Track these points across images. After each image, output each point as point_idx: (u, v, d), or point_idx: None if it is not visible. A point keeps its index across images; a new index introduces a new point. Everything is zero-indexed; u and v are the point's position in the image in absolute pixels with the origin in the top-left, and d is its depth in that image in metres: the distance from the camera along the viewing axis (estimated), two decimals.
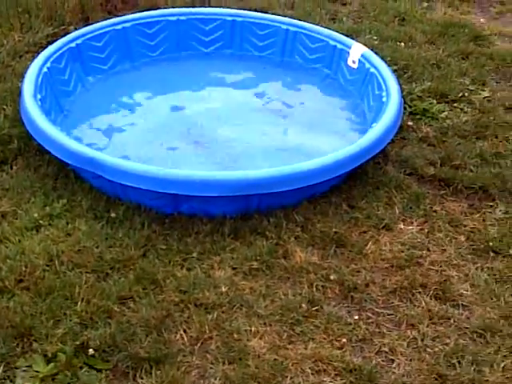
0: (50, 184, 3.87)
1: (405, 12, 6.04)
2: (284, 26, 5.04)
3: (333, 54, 4.86)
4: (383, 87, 4.32)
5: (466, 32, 5.71)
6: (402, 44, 5.48)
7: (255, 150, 4.17)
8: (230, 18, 5.09)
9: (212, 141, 4.27)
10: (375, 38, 5.52)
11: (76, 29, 5.41)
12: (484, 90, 4.96)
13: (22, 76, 4.79)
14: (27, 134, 4.21)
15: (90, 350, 2.93)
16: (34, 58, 4.66)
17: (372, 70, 4.53)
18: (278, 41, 5.07)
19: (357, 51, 4.70)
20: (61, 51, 4.53)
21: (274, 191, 3.57)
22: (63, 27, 5.43)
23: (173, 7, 5.56)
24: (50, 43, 5.21)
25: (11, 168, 4.03)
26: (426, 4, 6.28)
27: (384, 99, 4.19)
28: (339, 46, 4.82)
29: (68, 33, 5.33)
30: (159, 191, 3.51)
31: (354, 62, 4.71)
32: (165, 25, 5.04)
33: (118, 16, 5.70)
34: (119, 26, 4.90)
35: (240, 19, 5.09)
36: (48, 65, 4.37)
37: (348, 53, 4.76)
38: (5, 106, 4.53)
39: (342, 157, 3.69)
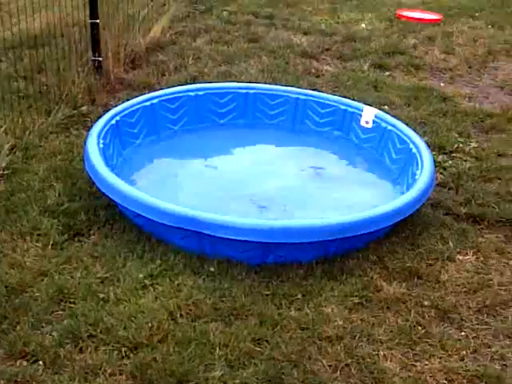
0: (138, 248, 4.07)
1: (375, 80, 6.73)
2: (294, 95, 5.52)
3: (343, 116, 5.39)
4: (407, 141, 4.86)
5: (434, 94, 6.45)
6: (386, 107, 6.10)
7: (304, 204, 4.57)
8: (243, 91, 5.52)
9: (258, 195, 4.62)
10: (362, 103, 6.11)
11: (88, 109, 5.71)
12: (471, 142, 5.63)
13: (54, 155, 5.02)
14: (90, 206, 4.43)
15: None
16: (71, 135, 4.88)
17: (389, 127, 5.07)
18: (288, 109, 5.54)
19: (369, 113, 5.25)
20: (106, 128, 4.75)
21: (360, 233, 3.96)
22: (77, 109, 5.65)
23: (168, 87, 5.96)
24: (69, 124, 5.49)
25: (89, 238, 4.19)
26: (387, 73, 7.01)
27: (414, 150, 4.72)
28: (350, 109, 5.36)
29: (83, 113, 5.64)
30: (264, 242, 3.81)
31: (367, 122, 5.26)
32: (185, 100, 5.39)
33: (117, 95, 6.06)
34: (148, 103, 5.19)
35: (252, 91, 5.53)
36: (101, 141, 4.59)
37: (360, 115, 5.29)
38: (53, 183, 4.68)
39: (408, 201, 4.16)
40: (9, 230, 4.19)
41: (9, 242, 4.09)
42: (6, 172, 4.75)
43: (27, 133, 5.16)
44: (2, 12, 5.46)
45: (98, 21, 6.08)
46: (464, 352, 3.48)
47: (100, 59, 6.15)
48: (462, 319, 3.72)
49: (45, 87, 5.78)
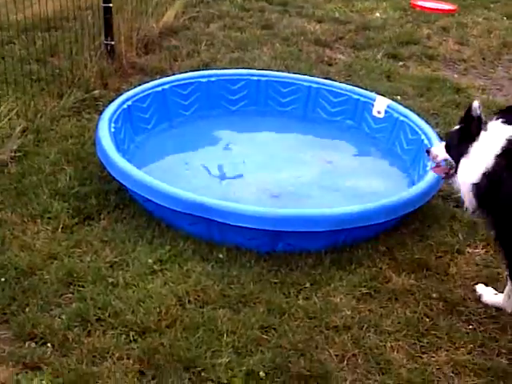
0: (147, 234, 4.08)
1: (388, 70, 6.69)
2: (306, 84, 5.50)
3: (356, 106, 5.36)
4: (419, 132, 4.84)
5: (448, 86, 6.41)
6: (398, 97, 6.07)
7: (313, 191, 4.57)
8: (255, 78, 5.50)
9: (271, 183, 4.61)
10: (374, 92, 6.08)
11: (100, 93, 5.71)
12: None
13: (66, 138, 5.03)
14: (100, 190, 4.44)
15: (261, 373, 3.17)
16: (85, 118, 4.88)
17: (401, 118, 5.05)
18: (301, 97, 5.52)
19: (381, 103, 5.23)
20: (118, 112, 4.75)
21: (369, 224, 3.96)
22: (89, 93, 5.65)
23: (180, 72, 5.94)
24: (81, 108, 5.49)
25: (99, 222, 4.20)
26: (401, 63, 6.97)
27: (425, 142, 4.70)
28: (362, 99, 5.33)
29: (95, 97, 5.63)
30: (273, 230, 3.81)
31: (379, 112, 5.24)
32: (197, 86, 5.38)
33: (129, 79, 6.06)
34: (159, 88, 5.18)
35: (264, 78, 5.51)
36: (113, 125, 4.58)
37: (372, 104, 5.27)
38: (64, 167, 4.69)
39: (418, 192, 4.16)
40: (19, 213, 4.20)
41: (19, 225, 4.11)
42: (17, 154, 4.76)
43: (39, 116, 5.17)
44: None
45: (110, 4, 6.06)
46: (471, 345, 3.47)
47: (112, 43, 6.14)
48: (470, 312, 3.71)
49: (57, 70, 5.79)
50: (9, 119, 4.91)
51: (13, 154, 4.74)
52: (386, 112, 5.21)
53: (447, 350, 3.45)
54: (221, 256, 3.93)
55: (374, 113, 5.28)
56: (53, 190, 4.42)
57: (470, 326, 3.62)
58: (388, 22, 8.15)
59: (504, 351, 3.48)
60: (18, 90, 5.32)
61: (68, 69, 5.75)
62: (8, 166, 4.66)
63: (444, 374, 3.32)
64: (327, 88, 5.48)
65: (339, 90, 5.46)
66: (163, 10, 7.26)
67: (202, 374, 3.19)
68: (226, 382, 3.15)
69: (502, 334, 3.59)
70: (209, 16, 7.85)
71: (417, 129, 4.90)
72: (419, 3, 8.81)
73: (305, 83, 5.53)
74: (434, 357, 3.41)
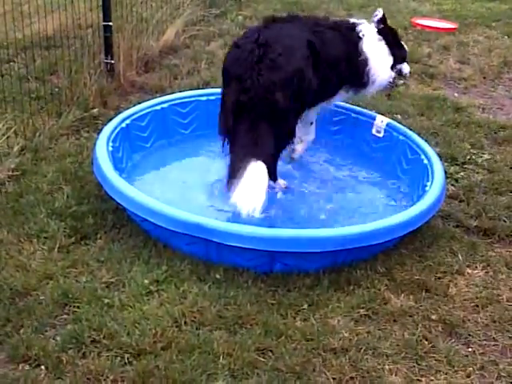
0: (144, 253, 4.05)
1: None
2: None
3: (355, 125, 5.34)
4: (418, 151, 4.81)
5: (448, 104, 6.40)
6: (399, 116, 6.06)
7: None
8: None
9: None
10: (373, 111, 6.07)
11: (100, 112, 5.70)
12: (484, 153, 5.57)
13: (64, 157, 5.01)
14: (98, 209, 4.42)
15: None
16: (83, 137, 4.86)
17: (401, 137, 5.03)
18: None
19: (381, 122, 5.21)
20: (116, 131, 4.74)
21: (367, 244, 3.92)
22: (88, 111, 5.64)
23: (180, 91, 5.93)
24: (80, 126, 5.49)
25: (95, 242, 4.17)
26: (401, 81, 6.94)
27: (425, 161, 4.67)
28: (362, 117, 5.31)
29: (94, 116, 5.62)
30: (270, 250, 3.78)
31: (378, 131, 5.21)
32: (196, 104, 5.37)
33: (128, 98, 6.06)
34: (158, 107, 5.17)
35: None
36: (111, 144, 4.57)
37: (372, 123, 5.25)
38: (62, 186, 4.68)
39: (418, 213, 4.12)
40: (16, 232, 4.18)
41: (15, 244, 4.08)
42: (14, 173, 4.75)
43: (37, 134, 5.17)
44: (17, 12, 5.43)
45: (110, 23, 6.07)
46: (471, 368, 3.43)
47: (112, 62, 6.15)
48: (469, 334, 3.67)
49: (56, 89, 5.79)
50: (7, 138, 4.90)
51: (10, 173, 4.72)
52: (385, 131, 5.19)
53: (446, 374, 3.40)
54: (218, 276, 3.89)
55: (374, 132, 5.26)
56: (50, 209, 4.40)
57: (470, 349, 3.57)
58: None
59: (504, 374, 3.43)
60: (17, 108, 5.32)
61: (67, 87, 5.75)
62: (5, 185, 4.64)
63: None
64: None
65: (338, 109, 5.43)
66: (163, 29, 7.27)
67: None
68: None
69: (502, 357, 3.54)
70: (209, 34, 7.86)
71: (416, 148, 4.88)
72: (420, 22, 8.81)
73: None
74: (432, 380, 3.36)
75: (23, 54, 6.22)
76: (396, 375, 3.37)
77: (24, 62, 6.13)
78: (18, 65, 6.30)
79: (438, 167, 4.58)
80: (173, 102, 5.29)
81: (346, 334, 3.57)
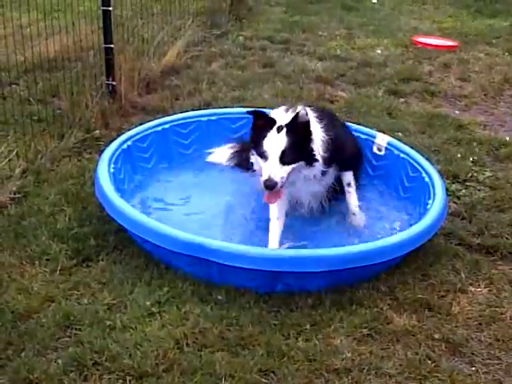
0: (146, 275, 4.04)
1: (389, 107, 6.70)
2: None
3: None
4: (419, 169, 4.81)
5: (449, 122, 6.41)
6: (400, 134, 6.06)
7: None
8: None
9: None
10: (374, 129, 6.07)
11: (101, 133, 5.73)
12: (486, 171, 5.57)
13: (66, 179, 5.03)
14: (99, 231, 4.43)
15: None
16: (81, 160, 4.87)
17: (402, 155, 5.03)
18: None
19: (382, 140, 5.21)
20: (117, 152, 4.75)
21: (368, 264, 3.91)
22: (90, 133, 5.67)
23: (181, 111, 5.95)
24: (82, 148, 5.51)
25: (97, 264, 4.17)
26: (402, 100, 6.99)
27: (426, 179, 4.67)
28: (362, 136, 5.31)
29: (96, 137, 5.65)
30: (272, 270, 3.77)
31: (379, 149, 5.22)
32: (197, 125, 5.39)
33: (130, 119, 6.08)
34: (159, 128, 5.19)
35: None
36: (112, 165, 4.58)
37: (373, 142, 5.26)
38: (64, 208, 4.68)
39: (419, 231, 4.12)
40: (17, 255, 4.19)
41: (17, 267, 4.08)
42: (16, 196, 4.76)
43: (39, 157, 5.18)
44: (19, 35, 5.46)
45: (112, 45, 6.11)
46: None
47: (114, 83, 6.18)
48: (472, 353, 3.65)
49: (59, 111, 5.82)
50: (9, 160, 4.92)
51: (12, 196, 4.74)
52: (386, 149, 5.19)
53: None
54: (220, 297, 3.88)
55: (375, 150, 5.26)
56: (52, 231, 4.41)
57: (473, 368, 3.55)
58: (389, 58, 8.21)
59: None
60: (19, 130, 5.34)
61: (69, 109, 5.78)
62: (7, 207, 4.65)
63: None
64: None
65: None
66: (165, 50, 7.32)
67: None
68: None
69: (506, 376, 3.52)
70: (210, 55, 7.92)
71: (417, 166, 4.87)
72: (421, 40, 8.86)
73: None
74: None
75: (25, 77, 6.26)
76: None
77: (26, 84, 6.16)
78: (20, 87, 6.34)
79: (439, 185, 4.57)
80: (174, 123, 5.31)
81: (349, 354, 3.55)
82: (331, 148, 4.28)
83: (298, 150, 4.07)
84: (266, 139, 4.07)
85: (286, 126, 4.10)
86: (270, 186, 3.97)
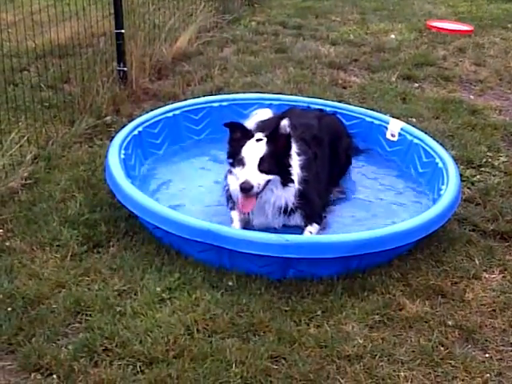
0: (157, 261, 4.02)
1: (403, 92, 6.63)
2: (319, 107, 5.44)
3: (370, 129, 5.30)
4: (433, 154, 4.76)
5: (464, 107, 6.34)
6: (414, 119, 6.00)
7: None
8: (267, 102, 5.46)
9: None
10: (388, 115, 6.01)
11: (113, 119, 5.71)
12: (501, 156, 5.51)
13: (77, 165, 5.01)
14: (110, 217, 4.41)
15: None
16: (88, 146, 4.85)
17: (415, 140, 4.98)
18: None
19: (395, 126, 5.16)
20: (128, 138, 4.73)
21: (381, 250, 3.87)
22: (101, 119, 5.65)
23: (193, 97, 5.92)
24: (93, 134, 5.49)
25: (108, 250, 4.15)
26: (416, 85, 6.91)
27: (440, 165, 4.61)
28: (376, 121, 5.27)
29: (107, 123, 5.62)
30: (283, 256, 3.74)
31: (393, 135, 5.16)
32: (209, 111, 5.35)
33: (141, 105, 6.05)
34: (170, 114, 5.16)
35: (277, 102, 5.47)
36: (123, 152, 4.56)
37: (386, 127, 5.20)
38: (75, 194, 4.67)
39: (432, 217, 4.07)
40: (28, 241, 4.17)
41: (28, 253, 4.07)
42: (28, 182, 4.75)
43: (50, 143, 5.17)
44: (30, 21, 5.44)
45: (123, 31, 6.07)
46: (488, 375, 3.36)
47: (125, 69, 6.15)
48: (486, 340, 3.60)
49: (70, 97, 5.80)
50: (20, 146, 4.91)
51: (23, 182, 4.73)
52: (399, 135, 5.14)
53: (463, 380, 3.33)
54: (230, 283, 3.86)
55: (388, 136, 5.21)
56: (63, 217, 4.40)
57: (487, 355, 3.50)
58: (403, 43, 8.12)
59: None
60: (30, 116, 5.33)
61: (80, 95, 5.76)
62: (18, 193, 4.65)
63: None
64: (340, 111, 5.41)
65: (353, 113, 5.40)
66: (176, 35, 7.28)
67: None
68: None
69: None
70: (222, 40, 7.87)
71: (431, 151, 4.82)
72: (435, 24, 8.77)
73: (318, 106, 5.46)
74: None
75: (36, 63, 6.24)
76: (412, 382, 3.31)
77: (37, 70, 6.14)
78: (31, 73, 6.32)
79: (452, 170, 4.51)
80: (185, 109, 5.28)
81: (361, 341, 3.52)
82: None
83: (275, 160, 4.06)
84: (244, 147, 4.08)
85: (267, 136, 4.12)
86: (247, 188, 3.94)
